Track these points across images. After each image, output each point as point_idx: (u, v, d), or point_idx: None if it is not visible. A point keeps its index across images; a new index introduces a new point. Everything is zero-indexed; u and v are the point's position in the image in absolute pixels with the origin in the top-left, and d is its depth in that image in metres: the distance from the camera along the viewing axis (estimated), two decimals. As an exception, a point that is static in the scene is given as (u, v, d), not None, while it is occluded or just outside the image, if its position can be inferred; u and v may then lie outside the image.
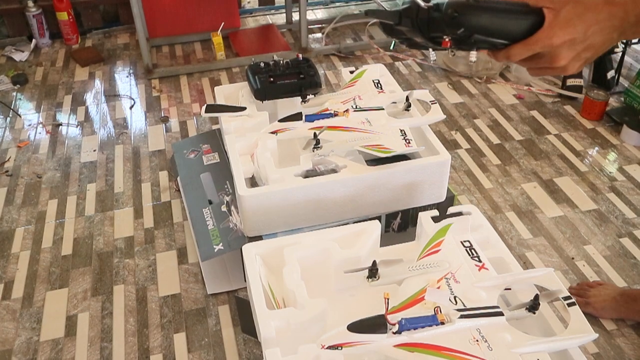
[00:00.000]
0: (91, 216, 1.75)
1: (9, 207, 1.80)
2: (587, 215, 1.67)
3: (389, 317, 0.92)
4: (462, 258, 1.08)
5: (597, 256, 1.54)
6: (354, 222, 1.41)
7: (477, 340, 0.92)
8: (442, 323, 0.93)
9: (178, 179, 1.75)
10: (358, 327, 0.92)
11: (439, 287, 1.01)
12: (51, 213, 1.77)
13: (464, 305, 0.97)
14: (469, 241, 1.12)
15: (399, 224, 1.49)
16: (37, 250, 1.64)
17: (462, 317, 0.94)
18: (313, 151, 1.42)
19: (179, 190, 1.81)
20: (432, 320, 0.93)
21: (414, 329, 0.92)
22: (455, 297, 0.99)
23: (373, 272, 1.09)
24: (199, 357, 1.32)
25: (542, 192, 1.76)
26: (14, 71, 2.53)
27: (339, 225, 1.40)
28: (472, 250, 1.10)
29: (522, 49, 0.75)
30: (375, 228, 1.20)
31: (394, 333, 0.92)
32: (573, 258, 1.53)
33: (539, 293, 0.98)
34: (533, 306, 0.97)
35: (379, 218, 1.43)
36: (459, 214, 1.28)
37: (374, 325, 0.92)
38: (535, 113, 2.13)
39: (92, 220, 1.73)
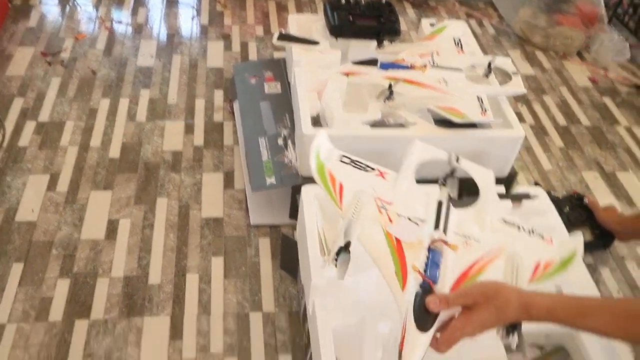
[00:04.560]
0: (142, 123, 1.73)
1: (61, 99, 1.78)
2: (644, 217, 1.61)
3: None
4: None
5: (648, 261, 1.50)
6: (411, 181, 1.37)
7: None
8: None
9: (235, 102, 1.71)
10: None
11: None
12: (102, 112, 1.75)
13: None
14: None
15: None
16: (84, 148, 1.63)
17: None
18: (384, 102, 1.37)
19: (232, 113, 1.77)
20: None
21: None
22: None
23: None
24: (234, 285, 1.32)
25: (602, 184, 1.70)
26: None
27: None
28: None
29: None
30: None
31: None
32: (623, 257, 1.49)
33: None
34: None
35: (436, 181, 1.39)
36: (527, 195, 1.24)
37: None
38: (607, 100, 2.04)
39: (142, 127, 1.71)
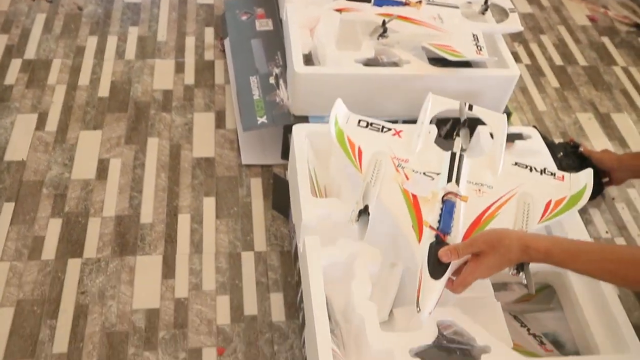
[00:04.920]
0: (131, 61, 1.69)
1: (47, 36, 1.73)
2: (637, 158, 1.61)
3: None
4: None
5: (639, 201, 1.50)
6: (403, 122, 1.36)
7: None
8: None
9: (226, 39, 1.67)
10: None
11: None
12: (90, 50, 1.71)
13: None
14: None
15: (447, 131, 1.43)
16: (73, 86, 1.60)
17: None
18: (378, 39, 1.34)
19: (223, 51, 1.74)
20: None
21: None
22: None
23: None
24: (226, 225, 1.33)
25: (596, 126, 1.69)
26: None
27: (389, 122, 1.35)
28: None
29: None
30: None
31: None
32: (614, 199, 1.50)
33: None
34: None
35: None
36: (519, 135, 1.24)
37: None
38: (606, 40, 2.00)
39: (131, 65, 1.68)
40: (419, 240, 0.94)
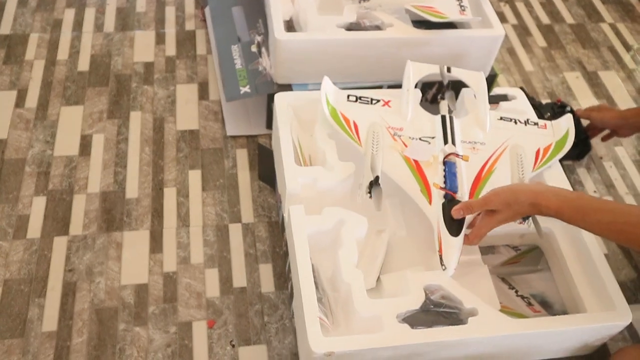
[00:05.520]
0: (110, 33, 1.65)
1: (22, 9, 1.69)
2: (624, 116, 1.60)
3: None
4: None
5: (626, 159, 1.50)
6: (388, 86, 1.35)
7: None
8: None
9: (206, 8, 1.63)
10: None
11: None
12: (67, 23, 1.67)
13: None
14: None
15: (433, 95, 1.42)
16: (51, 61, 1.56)
17: None
18: (360, 2, 1.31)
19: (204, 20, 1.70)
20: None
21: None
22: None
23: None
24: (213, 197, 1.32)
25: (584, 84, 1.68)
26: None
27: (373, 87, 1.33)
28: None
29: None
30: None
31: None
32: (601, 157, 1.49)
33: None
34: None
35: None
36: (504, 97, 1.22)
37: None
38: (593, -4, 1.98)
39: (111, 37, 1.64)
40: (430, 203, 0.99)
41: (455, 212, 0.95)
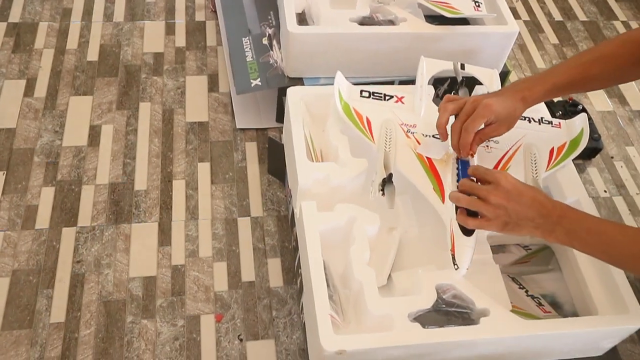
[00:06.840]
0: (120, 23, 1.64)
1: (31, -2, 1.68)
2: (636, 116, 1.59)
3: None
4: None
5: (637, 159, 1.49)
6: (400, 82, 1.34)
7: None
8: None
9: (217, -1, 1.62)
10: None
11: None
12: (77, 12, 1.66)
13: None
14: None
15: (445, 91, 1.41)
16: (61, 51, 1.55)
17: None
18: (373, -4, 1.30)
19: (214, 11, 1.69)
20: None
21: None
22: None
23: None
24: (222, 190, 1.31)
25: (596, 83, 1.66)
26: None
27: (385, 82, 1.32)
28: None
29: None
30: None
31: None
32: (612, 157, 1.48)
33: None
34: None
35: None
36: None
37: None
38: (606, -7, 1.96)
39: (120, 27, 1.63)
40: (443, 201, 0.96)
41: (453, 198, 0.90)
